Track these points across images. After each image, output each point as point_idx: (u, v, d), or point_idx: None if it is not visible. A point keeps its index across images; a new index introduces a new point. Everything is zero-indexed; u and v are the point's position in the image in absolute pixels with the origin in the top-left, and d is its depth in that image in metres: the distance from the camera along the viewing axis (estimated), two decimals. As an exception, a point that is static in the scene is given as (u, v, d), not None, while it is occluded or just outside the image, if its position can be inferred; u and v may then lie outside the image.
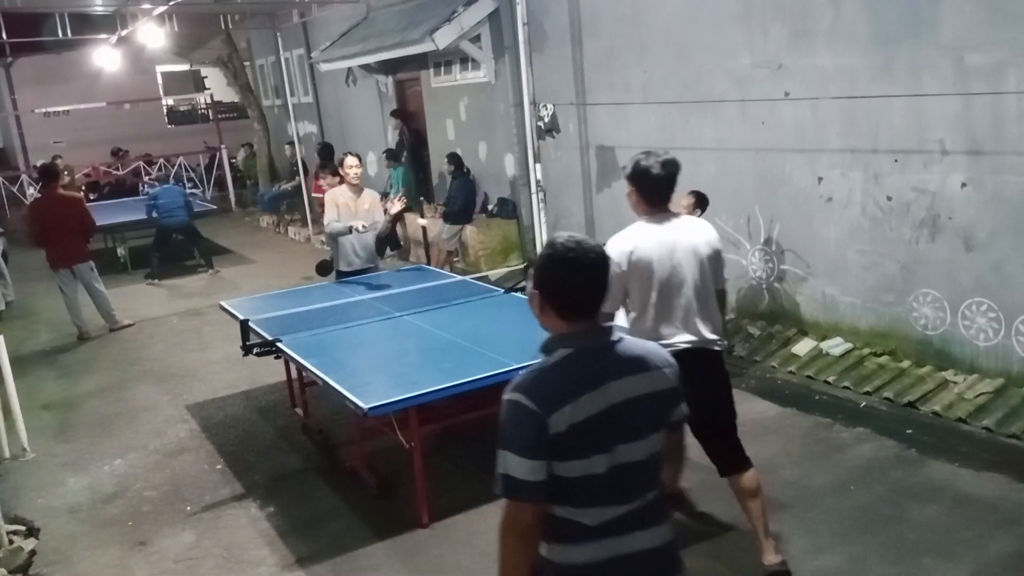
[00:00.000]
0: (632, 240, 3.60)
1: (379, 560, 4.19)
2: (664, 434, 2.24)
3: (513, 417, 2.08)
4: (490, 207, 10.09)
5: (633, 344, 2.22)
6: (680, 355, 3.39)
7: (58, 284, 8.65)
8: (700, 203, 6.41)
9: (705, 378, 3.63)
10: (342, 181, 6.68)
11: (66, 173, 12.37)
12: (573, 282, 2.10)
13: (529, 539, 2.12)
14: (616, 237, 3.62)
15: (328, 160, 10.41)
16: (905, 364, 5.78)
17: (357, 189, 6.52)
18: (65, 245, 8.50)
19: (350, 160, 6.48)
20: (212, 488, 5.18)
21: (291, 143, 15.37)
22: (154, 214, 11.22)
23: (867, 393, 5.64)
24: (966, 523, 4.10)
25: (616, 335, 2.19)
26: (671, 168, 3.58)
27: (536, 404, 2.04)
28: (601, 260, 2.11)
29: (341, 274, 6.77)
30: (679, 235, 3.62)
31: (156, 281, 11.16)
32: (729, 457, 3.79)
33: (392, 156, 11.29)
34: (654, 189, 3.59)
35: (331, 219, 6.45)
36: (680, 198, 6.51)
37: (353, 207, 6.44)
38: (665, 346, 3.42)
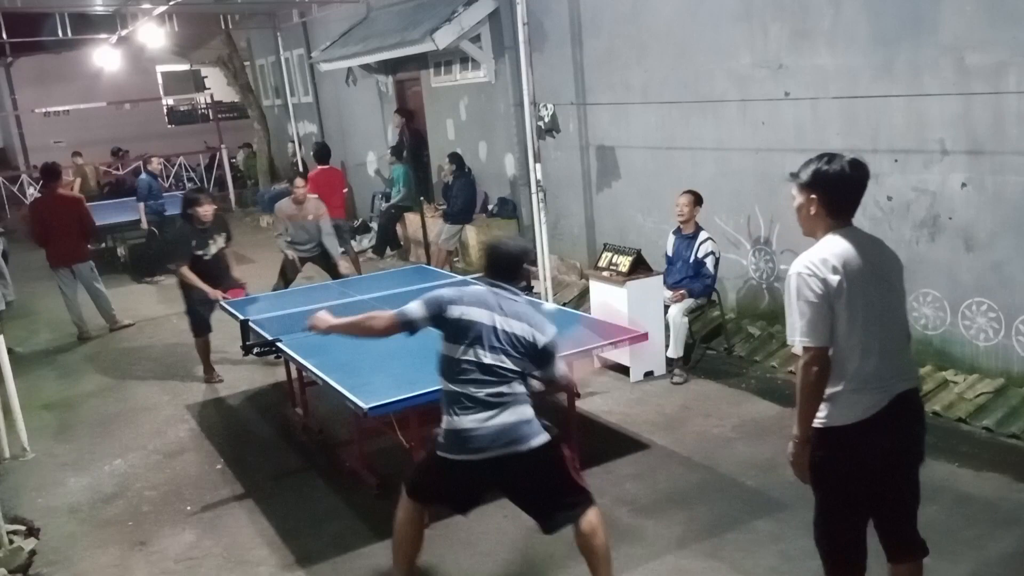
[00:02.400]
0: (836, 257, 2.76)
1: (379, 560, 4.19)
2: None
3: None
4: (490, 207, 10.10)
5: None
6: (900, 398, 2.86)
7: (58, 284, 8.65)
8: (697, 203, 6.42)
9: (915, 423, 2.99)
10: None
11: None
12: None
13: None
14: (811, 254, 2.80)
15: (324, 161, 10.34)
16: (905, 364, 5.77)
17: (299, 201, 7.86)
18: (65, 245, 8.50)
19: (299, 181, 8.03)
20: (212, 488, 5.18)
21: (292, 142, 15.40)
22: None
23: (867, 393, 5.63)
24: (966, 523, 4.10)
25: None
26: (863, 171, 2.83)
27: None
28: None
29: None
30: (884, 253, 2.90)
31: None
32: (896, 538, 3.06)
33: (395, 154, 11.28)
34: (847, 196, 2.82)
35: (279, 232, 7.98)
36: (677, 197, 6.53)
37: (298, 215, 7.85)
38: (881, 393, 2.83)
